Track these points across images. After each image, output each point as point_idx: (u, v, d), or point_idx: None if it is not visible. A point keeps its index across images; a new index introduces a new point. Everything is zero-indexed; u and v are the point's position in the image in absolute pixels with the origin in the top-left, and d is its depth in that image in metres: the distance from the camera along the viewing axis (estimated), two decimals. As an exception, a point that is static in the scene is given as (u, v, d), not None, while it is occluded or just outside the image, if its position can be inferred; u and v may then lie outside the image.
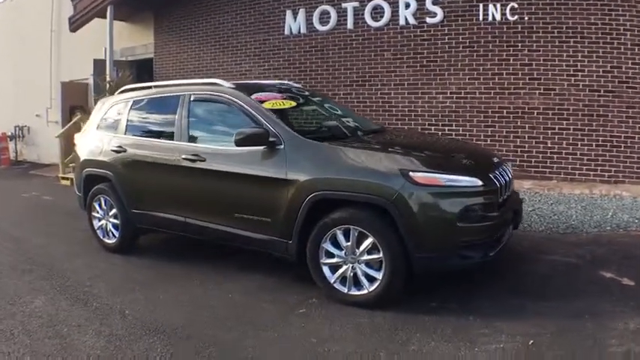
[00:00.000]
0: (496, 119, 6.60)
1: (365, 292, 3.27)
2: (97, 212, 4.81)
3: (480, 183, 3.23)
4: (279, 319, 3.21)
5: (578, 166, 6.14)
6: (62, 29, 11.03)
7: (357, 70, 7.61)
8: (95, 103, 9.11)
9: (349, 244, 3.28)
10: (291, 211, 3.42)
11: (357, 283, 3.31)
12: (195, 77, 8.35)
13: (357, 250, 3.26)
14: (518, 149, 6.43)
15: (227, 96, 3.94)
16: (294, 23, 8.09)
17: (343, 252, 3.32)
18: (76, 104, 9.81)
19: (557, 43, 6.08)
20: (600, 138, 5.99)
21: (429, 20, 6.93)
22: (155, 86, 4.76)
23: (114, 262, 4.46)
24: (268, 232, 3.60)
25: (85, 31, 9.49)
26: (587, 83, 5.99)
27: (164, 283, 3.93)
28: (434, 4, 6.85)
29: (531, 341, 2.80)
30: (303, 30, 8.01)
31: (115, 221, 4.65)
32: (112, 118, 4.83)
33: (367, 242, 3.21)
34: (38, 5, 11.92)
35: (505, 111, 6.53)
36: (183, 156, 4.01)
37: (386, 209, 3.15)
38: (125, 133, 4.61)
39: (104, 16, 8.58)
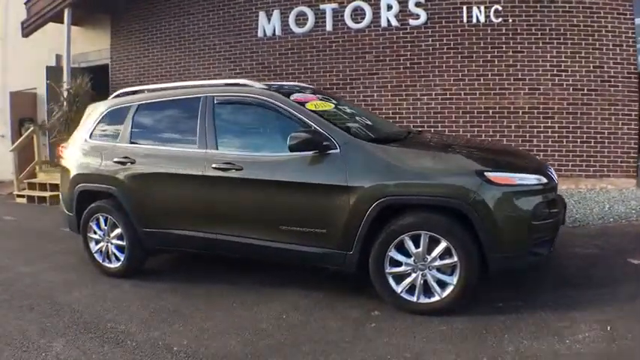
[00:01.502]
0: (482, 119, 6.75)
1: (437, 299, 3.12)
2: (95, 233, 4.24)
3: (545, 180, 3.23)
4: (356, 337, 2.96)
5: (564, 162, 6.41)
6: (7, 38, 10.13)
7: (338, 73, 7.49)
8: (49, 113, 8.31)
9: (419, 250, 3.11)
10: (354, 220, 3.18)
11: (426, 291, 3.16)
12: (159, 83, 7.79)
13: (427, 257, 3.11)
14: (505, 148, 6.60)
15: (264, 98, 3.59)
16: (268, 25, 7.81)
17: (412, 259, 3.14)
18: (24, 116, 8.81)
19: (541, 45, 6.34)
20: (585, 135, 6.30)
21: (412, 22, 6.96)
22: (163, 89, 4.28)
23: (124, 289, 3.93)
24: (323, 244, 3.32)
25: (30, 39, 8.64)
26: (570, 83, 6.29)
27: (197, 308, 3.51)
28: (417, 6, 6.89)
29: (609, 327, 2.85)
30: (278, 32, 7.76)
31: (120, 242, 4.11)
32: (110, 126, 4.29)
33: (440, 247, 3.07)
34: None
35: (491, 111, 6.70)
36: (214, 165, 3.61)
37: (460, 211, 3.03)
38: (130, 142, 4.11)
39: (59, 20, 7.76)
